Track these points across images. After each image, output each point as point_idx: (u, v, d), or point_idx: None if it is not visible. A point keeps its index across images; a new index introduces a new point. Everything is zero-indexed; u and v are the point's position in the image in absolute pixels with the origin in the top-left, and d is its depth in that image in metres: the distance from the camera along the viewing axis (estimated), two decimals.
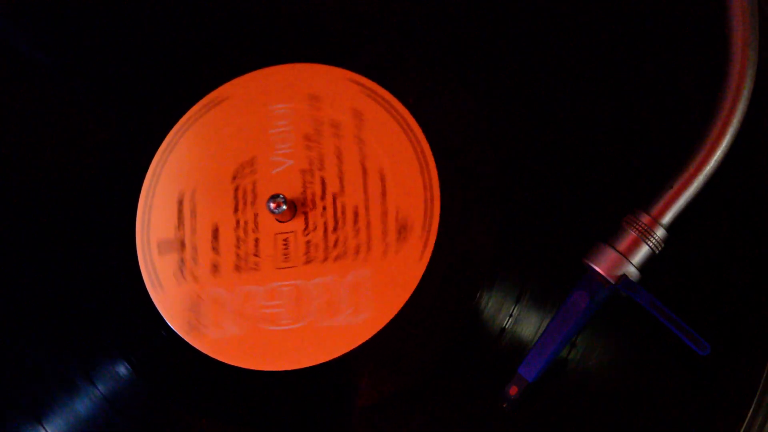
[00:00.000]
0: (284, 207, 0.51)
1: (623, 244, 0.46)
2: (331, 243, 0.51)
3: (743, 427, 0.45)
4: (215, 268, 0.52)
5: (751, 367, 0.45)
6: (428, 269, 0.50)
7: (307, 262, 0.52)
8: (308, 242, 0.52)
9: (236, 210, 0.53)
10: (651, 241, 0.46)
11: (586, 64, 0.53)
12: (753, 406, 0.45)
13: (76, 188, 0.57)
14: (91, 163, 0.57)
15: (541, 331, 0.48)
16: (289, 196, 0.52)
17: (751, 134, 0.47)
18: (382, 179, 0.52)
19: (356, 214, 0.52)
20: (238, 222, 0.53)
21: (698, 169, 0.46)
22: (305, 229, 0.52)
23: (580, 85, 0.53)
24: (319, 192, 0.53)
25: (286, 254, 0.52)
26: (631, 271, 0.46)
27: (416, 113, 0.54)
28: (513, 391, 0.46)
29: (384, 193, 0.52)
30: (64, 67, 0.61)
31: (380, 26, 0.57)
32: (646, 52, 0.52)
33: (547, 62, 0.53)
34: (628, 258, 0.46)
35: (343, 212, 0.52)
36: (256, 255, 0.52)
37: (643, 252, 0.46)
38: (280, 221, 0.53)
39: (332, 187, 0.53)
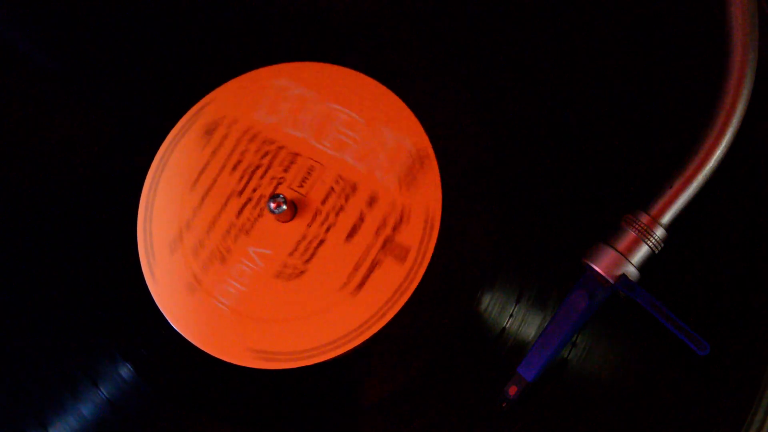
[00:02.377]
0: (284, 207, 0.51)
1: (623, 244, 0.46)
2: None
3: (743, 427, 0.45)
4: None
5: (751, 367, 0.45)
6: (429, 269, 0.50)
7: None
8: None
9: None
10: (650, 241, 0.46)
11: (587, 64, 0.53)
12: (753, 406, 0.45)
13: (77, 189, 0.57)
14: (92, 163, 0.58)
15: (541, 331, 0.48)
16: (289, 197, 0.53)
17: (751, 134, 0.47)
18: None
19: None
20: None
21: (698, 169, 0.46)
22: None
23: (580, 86, 0.53)
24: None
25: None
26: (631, 270, 0.46)
27: (418, 113, 0.54)
28: (512, 390, 0.46)
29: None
30: (65, 66, 0.61)
31: (386, 27, 0.57)
32: (646, 52, 0.52)
33: (547, 63, 0.54)
34: (628, 258, 0.46)
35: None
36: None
37: (642, 252, 0.46)
38: (280, 221, 0.53)
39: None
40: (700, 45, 0.51)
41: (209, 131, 0.56)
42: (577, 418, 0.47)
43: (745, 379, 0.45)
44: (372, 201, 0.52)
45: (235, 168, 0.55)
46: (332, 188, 0.53)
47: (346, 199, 0.53)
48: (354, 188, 0.53)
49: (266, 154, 0.55)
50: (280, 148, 0.55)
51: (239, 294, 0.52)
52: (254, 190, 0.54)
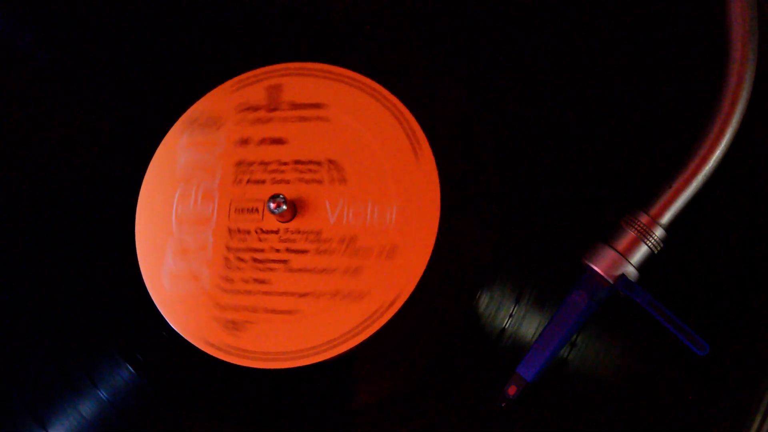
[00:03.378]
0: (284, 207, 0.51)
1: (622, 244, 0.46)
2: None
3: (743, 427, 0.45)
4: None
5: (751, 367, 0.45)
6: (428, 269, 0.50)
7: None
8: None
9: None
10: (650, 241, 0.46)
11: (587, 64, 0.53)
12: (753, 406, 0.45)
13: (77, 189, 0.57)
14: (92, 163, 0.58)
15: (540, 331, 0.48)
16: (289, 196, 0.52)
17: (751, 134, 0.47)
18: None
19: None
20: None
21: (697, 169, 0.46)
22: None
23: (580, 86, 0.53)
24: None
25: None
26: (630, 271, 0.46)
27: (417, 114, 0.54)
28: (512, 390, 0.46)
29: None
30: (65, 65, 0.61)
31: (387, 27, 0.57)
32: (646, 52, 0.52)
33: (547, 63, 0.53)
34: (627, 258, 0.46)
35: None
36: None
37: (642, 252, 0.46)
38: (281, 221, 0.53)
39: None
40: (700, 45, 0.51)
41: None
42: (577, 418, 0.47)
43: (745, 379, 0.45)
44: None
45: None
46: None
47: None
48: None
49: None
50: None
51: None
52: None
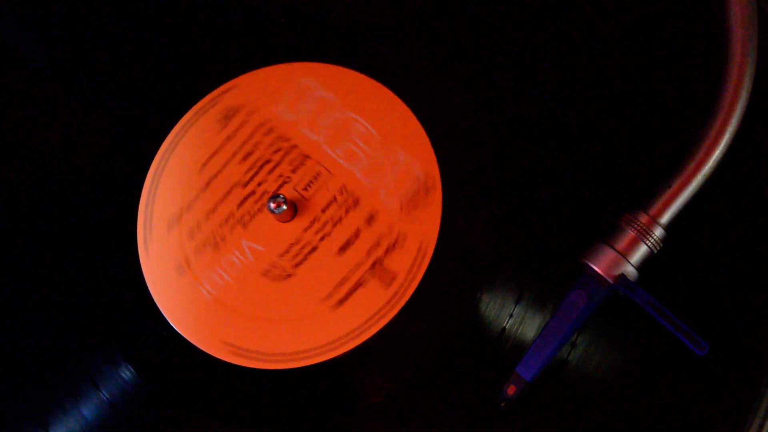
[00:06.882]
0: (284, 207, 0.51)
1: (622, 244, 0.46)
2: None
3: (743, 427, 0.45)
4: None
5: (751, 367, 0.45)
6: (429, 269, 0.50)
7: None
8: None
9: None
10: (649, 241, 0.46)
11: (587, 64, 0.53)
12: (753, 406, 0.45)
13: (77, 189, 0.57)
14: (92, 162, 0.58)
15: (540, 331, 0.48)
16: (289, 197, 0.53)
17: (751, 134, 0.47)
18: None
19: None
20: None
21: (697, 169, 0.46)
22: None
23: (580, 86, 0.53)
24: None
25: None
26: (630, 270, 0.46)
27: (419, 115, 0.54)
28: (511, 390, 0.46)
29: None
30: (65, 65, 0.61)
31: (387, 27, 0.57)
32: (645, 52, 0.52)
33: (547, 63, 0.54)
34: (627, 257, 0.46)
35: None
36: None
37: (641, 252, 0.46)
38: (279, 221, 0.53)
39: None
40: (700, 45, 0.51)
41: (228, 116, 0.56)
42: (577, 418, 0.47)
43: (745, 379, 0.45)
44: (371, 219, 0.52)
45: (245, 158, 0.55)
46: (335, 198, 0.53)
47: (346, 211, 0.52)
48: (356, 202, 0.53)
49: (278, 150, 0.54)
50: (293, 147, 0.54)
51: (225, 285, 0.52)
52: (259, 184, 0.54)
